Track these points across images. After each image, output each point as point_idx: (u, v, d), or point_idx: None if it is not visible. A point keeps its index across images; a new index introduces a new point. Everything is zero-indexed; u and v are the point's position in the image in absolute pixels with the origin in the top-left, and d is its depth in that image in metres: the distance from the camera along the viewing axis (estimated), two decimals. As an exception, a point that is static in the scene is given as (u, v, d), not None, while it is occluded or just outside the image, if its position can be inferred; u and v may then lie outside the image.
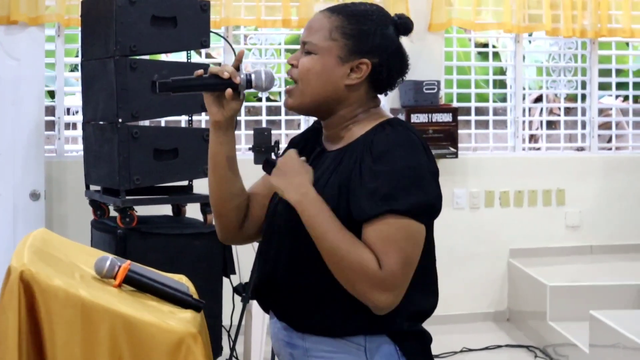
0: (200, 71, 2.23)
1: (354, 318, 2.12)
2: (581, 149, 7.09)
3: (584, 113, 6.96)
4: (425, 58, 6.42)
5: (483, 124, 7.05)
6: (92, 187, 5.13)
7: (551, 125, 8.32)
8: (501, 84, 8.22)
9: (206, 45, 4.95)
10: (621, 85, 7.45)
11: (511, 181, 6.67)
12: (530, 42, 7.54)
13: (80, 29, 5.20)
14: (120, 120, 4.64)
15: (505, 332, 6.34)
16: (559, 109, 7.33)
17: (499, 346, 5.98)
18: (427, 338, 2.26)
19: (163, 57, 6.05)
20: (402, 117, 6.25)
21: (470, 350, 5.88)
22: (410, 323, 2.19)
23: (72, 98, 7.12)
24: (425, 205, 2.09)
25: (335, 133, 2.25)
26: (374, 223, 2.05)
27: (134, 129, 4.67)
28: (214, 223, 2.44)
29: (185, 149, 4.80)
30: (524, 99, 6.87)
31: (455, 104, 6.67)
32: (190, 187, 5.12)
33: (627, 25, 6.72)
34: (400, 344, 2.17)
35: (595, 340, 4.88)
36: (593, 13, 6.63)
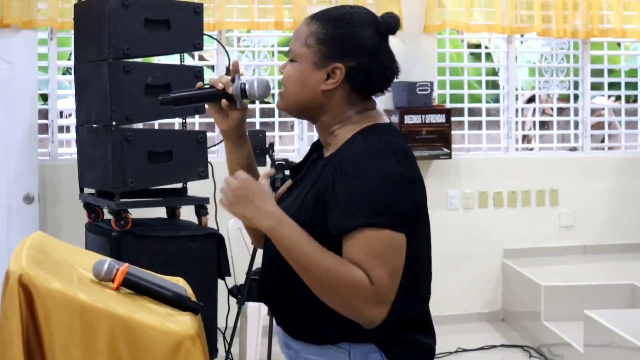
0: (200, 83, 2.30)
1: (339, 326, 2.12)
2: (574, 149, 7.10)
3: (576, 113, 6.98)
4: (418, 59, 6.43)
5: (476, 125, 7.06)
6: (86, 190, 5.13)
7: (544, 125, 8.34)
8: (494, 85, 8.24)
9: (199, 47, 4.96)
10: (613, 85, 7.47)
11: (505, 182, 6.68)
12: (522, 42, 7.55)
13: (73, 32, 5.20)
14: (114, 123, 4.64)
15: (500, 332, 6.35)
16: (552, 109, 7.35)
17: (494, 346, 5.99)
18: (421, 347, 2.24)
19: (156, 59, 6.05)
20: (395, 118, 6.27)
21: (465, 350, 5.88)
22: (397, 331, 2.17)
23: (66, 101, 7.11)
24: (401, 214, 2.07)
25: (325, 139, 2.27)
26: (354, 237, 2.04)
27: (128, 131, 4.67)
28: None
29: (180, 152, 4.80)
30: (516, 99, 6.88)
31: (448, 105, 6.68)
32: (184, 189, 5.12)
33: (618, 25, 6.73)
34: (387, 351, 2.17)
35: (589, 339, 4.89)
36: (585, 13, 6.65)
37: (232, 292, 5.14)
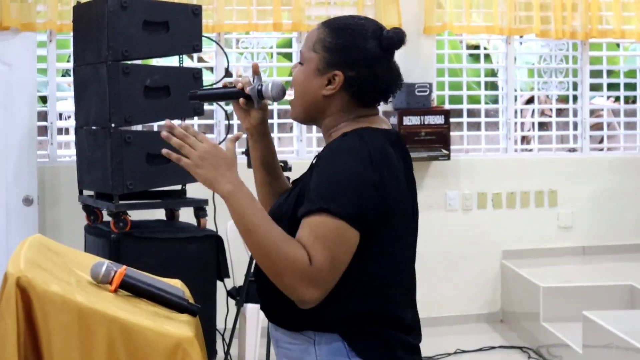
0: (226, 81, 2.43)
1: (304, 314, 2.19)
2: (573, 150, 7.11)
3: (575, 114, 6.98)
4: (416, 60, 6.44)
5: (475, 126, 7.06)
6: (86, 192, 5.13)
7: (543, 126, 8.34)
8: (493, 86, 8.24)
9: (198, 49, 4.96)
10: (612, 86, 7.47)
11: (503, 183, 6.69)
12: (521, 43, 7.55)
13: (72, 34, 5.21)
14: (112, 125, 4.64)
15: (498, 333, 6.35)
16: (551, 110, 7.35)
17: (493, 347, 5.99)
18: (391, 340, 2.25)
19: (155, 61, 6.06)
20: (394, 119, 6.27)
21: (463, 351, 5.89)
22: (361, 324, 2.22)
23: (65, 103, 7.12)
24: (358, 211, 2.13)
25: (325, 141, 2.36)
26: (309, 219, 2.12)
27: (127, 133, 4.68)
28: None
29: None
30: (515, 100, 6.89)
31: (447, 106, 6.69)
32: (183, 191, 5.13)
33: (617, 26, 6.74)
34: (350, 341, 2.22)
35: (588, 340, 4.90)
36: (583, 14, 6.66)
37: (231, 293, 5.15)
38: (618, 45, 7.65)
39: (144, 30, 4.74)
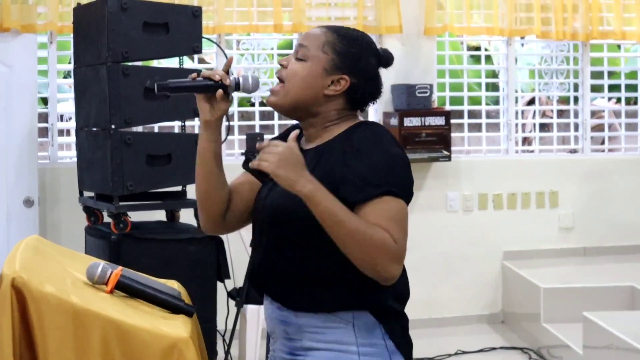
0: (194, 74, 2.45)
1: (341, 295, 2.32)
2: (574, 151, 7.11)
3: (576, 115, 6.98)
4: (417, 62, 6.43)
5: (476, 127, 7.07)
6: (86, 194, 5.14)
7: (544, 127, 8.33)
8: (494, 87, 8.23)
9: (198, 50, 4.97)
10: (613, 87, 7.46)
11: (504, 184, 6.68)
12: (522, 44, 7.54)
13: (72, 35, 5.21)
14: (113, 126, 4.65)
15: (499, 334, 6.35)
16: (552, 111, 7.34)
17: (494, 348, 5.99)
18: (405, 320, 2.45)
19: (155, 63, 6.06)
20: (395, 120, 6.28)
21: (464, 352, 5.89)
22: (394, 303, 2.38)
23: (65, 105, 7.12)
24: (408, 189, 2.33)
25: (316, 133, 2.45)
26: (374, 204, 2.24)
27: (127, 135, 4.68)
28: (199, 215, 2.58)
29: (179, 155, 4.81)
30: (516, 101, 6.89)
31: (448, 107, 6.68)
32: (184, 192, 5.13)
33: (618, 27, 6.74)
34: (385, 323, 2.36)
35: (588, 341, 4.90)
36: (584, 15, 6.65)
37: (231, 294, 5.15)
38: (619, 46, 7.64)
39: (144, 31, 4.75)
